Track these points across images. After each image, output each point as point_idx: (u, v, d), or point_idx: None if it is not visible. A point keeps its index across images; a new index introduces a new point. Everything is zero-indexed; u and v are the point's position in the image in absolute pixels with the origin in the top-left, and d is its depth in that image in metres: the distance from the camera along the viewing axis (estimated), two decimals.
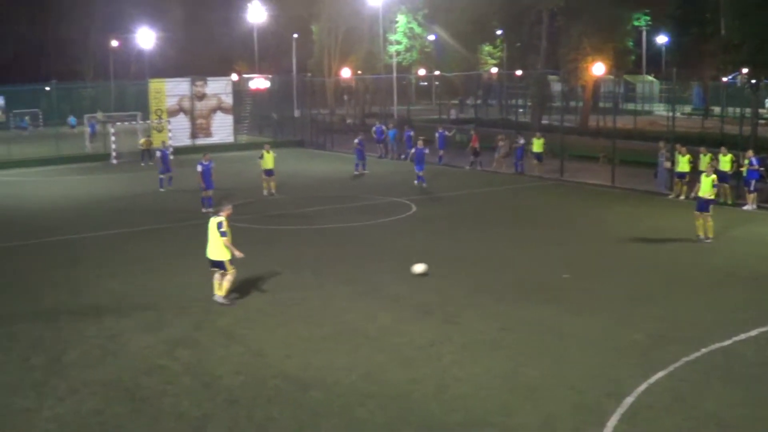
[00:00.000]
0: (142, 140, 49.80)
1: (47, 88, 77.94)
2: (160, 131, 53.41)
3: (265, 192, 33.39)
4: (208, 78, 58.20)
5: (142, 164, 47.47)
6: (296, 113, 68.84)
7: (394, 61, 73.76)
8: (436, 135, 44.40)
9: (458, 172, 41.14)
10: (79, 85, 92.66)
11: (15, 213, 31.54)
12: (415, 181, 35.64)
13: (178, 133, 53.97)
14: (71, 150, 52.91)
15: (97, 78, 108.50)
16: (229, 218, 17.39)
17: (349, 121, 69.15)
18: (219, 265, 17.25)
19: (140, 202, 33.14)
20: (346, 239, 24.53)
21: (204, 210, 29.22)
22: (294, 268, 20.67)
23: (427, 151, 36.46)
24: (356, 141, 41.20)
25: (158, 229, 27.13)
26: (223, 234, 16.90)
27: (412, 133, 45.57)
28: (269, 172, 33.87)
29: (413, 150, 36.62)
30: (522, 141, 40.32)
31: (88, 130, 58.99)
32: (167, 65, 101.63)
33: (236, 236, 25.03)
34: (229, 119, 58.12)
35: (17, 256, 23.57)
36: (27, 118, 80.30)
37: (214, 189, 30.10)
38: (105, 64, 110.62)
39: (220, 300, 17.42)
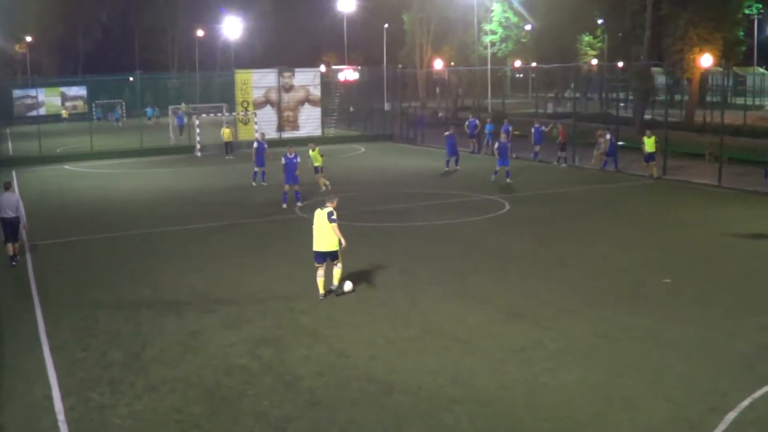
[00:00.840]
0: (225, 131, 50.36)
1: (131, 79, 79.79)
2: (246, 123, 54.28)
3: (322, 188, 33.01)
4: (296, 69, 58.87)
5: (227, 157, 48.28)
6: (386, 106, 69.06)
7: (489, 51, 73.39)
8: (532, 130, 43.97)
9: (555, 169, 40.81)
10: (164, 75, 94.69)
11: (98, 205, 32.41)
12: (493, 177, 35.77)
13: (264, 125, 54.57)
14: (155, 142, 54.14)
15: (182, 69, 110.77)
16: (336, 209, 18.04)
17: (441, 114, 69.05)
18: (331, 255, 17.85)
19: (224, 196, 33.71)
20: (435, 237, 24.53)
21: (285, 206, 29.74)
22: (381, 267, 20.76)
23: (509, 144, 36.42)
24: (446, 134, 41.10)
25: (242, 224, 27.59)
26: (333, 221, 17.61)
27: (510, 128, 45.27)
28: (317, 170, 33.68)
29: (496, 144, 36.52)
30: (609, 136, 39.72)
31: (175, 121, 60.28)
32: (254, 56, 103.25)
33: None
34: (316, 112, 58.67)
35: (99, 248, 24.25)
36: (119, 108, 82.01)
37: (299, 184, 30.24)
38: (190, 55, 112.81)
39: (339, 291, 18.10)
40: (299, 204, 30.05)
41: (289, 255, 22.36)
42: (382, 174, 39.52)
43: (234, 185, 36.43)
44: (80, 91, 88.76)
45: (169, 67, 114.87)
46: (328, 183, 33.05)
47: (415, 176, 38.55)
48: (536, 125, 44.06)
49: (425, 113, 63.86)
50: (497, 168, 35.83)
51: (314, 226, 17.94)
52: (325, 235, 17.75)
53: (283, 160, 29.91)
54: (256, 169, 36.17)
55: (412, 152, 50.48)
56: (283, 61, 73.04)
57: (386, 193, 33.68)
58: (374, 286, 19.05)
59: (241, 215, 29.12)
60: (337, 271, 18.08)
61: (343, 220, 27.13)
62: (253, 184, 36.04)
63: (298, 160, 30.00)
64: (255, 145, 35.84)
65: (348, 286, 18.36)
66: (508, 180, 35.18)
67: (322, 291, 17.99)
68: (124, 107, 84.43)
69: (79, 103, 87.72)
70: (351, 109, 66.09)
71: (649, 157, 36.64)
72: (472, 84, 76.16)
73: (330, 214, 17.73)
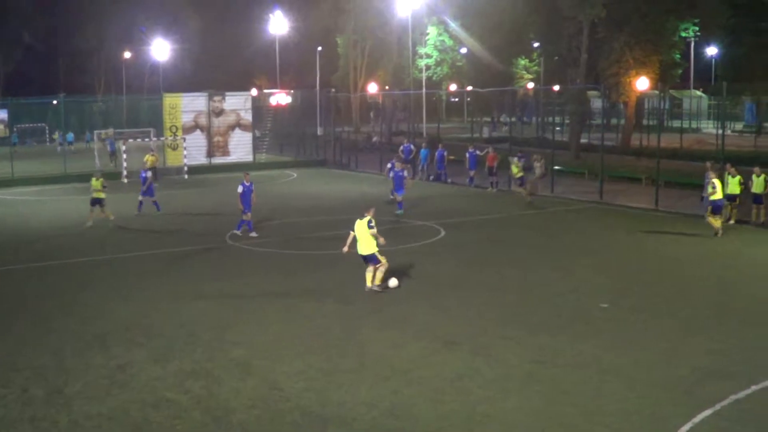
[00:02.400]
0: (147, 157, 49.36)
1: (54, 102, 78.47)
2: (175, 149, 53.83)
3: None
4: (227, 93, 58.75)
5: (156, 184, 47.69)
6: (319, 130, 69.17)
7: (424, 75, 73.98)
8: (467, 155, 44.32)
9: (489, 194, 41.12)
10: (90, 98, 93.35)
11: (19, 234, 31.80)
12: (398, 211, 34.10)
13: (193, 150, 54.33)
14: (80, 168, 53.33)
15: (109, 91, 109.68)
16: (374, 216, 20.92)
17: (374, 139, 69.29)
18: (371, 258, 20.78)
19: (153, 223, 33.39)
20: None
21: (237, 232, 29.43)
22: (316, 296, 20.73)
23: (405, 173, 35.37)
24: (389, 166, 38.58)
25: (175, 252, 27.33)
26: (372, 227, 20.58)
27: (445, 153, 45.70)
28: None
29: (392, 173, 35.18)
30: (472, 150, 42.49)
31: (107, 147, 59.57)
32: (183, 79, 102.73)
33: (252, 262, 25.20)
34: (248, 137, 58.44)
35: (24, 279, 23.77)
36: (15, 133, 79.52)
37: (251, 212, 29.39)
38: (117, 77, 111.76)
39: (375, 288, 20.74)
40: (252, 234, 29.40)
41: (223, 284, 22.19)
42: (315, 200, 39.53)
43: (162, 213, 36.01)
44: (1, 114, 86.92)
45: (95, 90, 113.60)
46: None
47: (349, 202, 38.41)
48: (471, 150, 44.36)
49: (378, 139, 63.63)
50: (399, 198, 34.54)
51: (356, 233, 20.77)
52: (364, 240, 20.66)
53: (240, 188, 29.16)
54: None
55: (346, 178, 50.54)
56: (213, 84, 72.93)
57: (319, 219, 33.69)
58: (309, 316, 18.99)
59: (175, 243, 28.86)
60: (378, 274, 20.84)
61: (273, 247, 27.21)
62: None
63: (253, 187, 29.48)
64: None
65: (393, 282, 21.08)
66: (398, 212, 34.06)
67: (369, 284, 20.90)
68: (47, 131, 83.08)
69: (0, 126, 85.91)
70: (256, 132, 64.64)
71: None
72: (407, 108, 76.56)
73: (370, 222, 20.65)
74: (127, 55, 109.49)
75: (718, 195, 28.44)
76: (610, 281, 22.10)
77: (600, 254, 25.94)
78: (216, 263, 25.31)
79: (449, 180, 45.40)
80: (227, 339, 17.18)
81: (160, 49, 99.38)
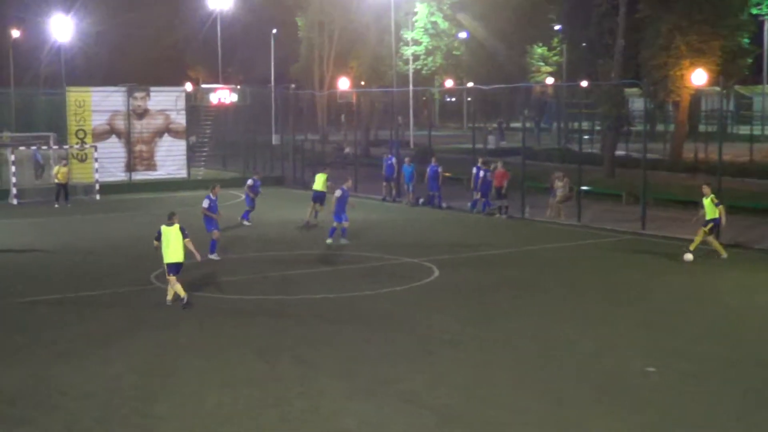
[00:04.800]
0: (59, 170, 49.18)
1: None
2: (83, 161, 53.45)
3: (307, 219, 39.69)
4: (152, 88, 58.55)
5: (57, 205, 47.49)
6: (275, 139, 69.00)
7: (411, 68, 74.15)
8: (474, 171, 44.34)
9: (498, 222, 41.34)
10: None
11: None
12: (342, 239, 35.63)
13: (108, 163, 53.95)
14: None
15: None
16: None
17: (347, 150, 69.41)
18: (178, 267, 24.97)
19: (56, 259, 33.20)
20: (340, 315, 24.45)
21: (213, 257, 31.90)
22: (269, 354, 20.60)
23: (348, 194, 36.18)
24: (249, 183, 41.91)
25: (87, 297, 27.08)
26: (186, 235, 24.87)
27: (439, 169, 45.56)
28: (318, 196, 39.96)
29: (336, 193, 35.94)
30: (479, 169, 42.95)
31: (33, 157, 58.61)
32: (94, 69, 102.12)
33: (183, 309, 25.00)
34: (180, 146, 58.23)
35: None
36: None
37: (218, 230, 32.52)
38: (1, 63, 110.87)
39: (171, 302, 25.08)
40: (213, 256, 31.93)
41: (146, 338, 22.08)
42: (270, 230, 39.52)
43: (72, 244, 35.72)
44: None
45: None
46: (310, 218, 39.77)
47: (315, 233, 38.40)
48: (478, 165, 44.14)
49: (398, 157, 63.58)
50: (334, 224, 35.63)
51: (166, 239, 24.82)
52: (178, 246, 24.85)
53: (205, 203, 31.72)
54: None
55: (309, 200, 50.31)
56: (134, 76, 72.63)
57: (275, 255, 33.66)
58: (260, 380, 18.80)
59: (82, 285, 28.56)
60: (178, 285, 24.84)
61: (217, 291, 27.04)
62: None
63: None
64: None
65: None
66: (343, 240, 35.45)
67: (170, 298, 25.05)
68: None
69: None
70: (191, 139, 64.56)
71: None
72: (389, 110, 76.61)
73: (183, 229, 24.91)
74: (16, 33, 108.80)
75: None
76: (656, 338, 22.01)
77: (642, 302, 25.90)
78: (136, 311, 25.10)
79: (443, 204, 45.36)
80: (151, 413, 16.98)
81: (62, 27, 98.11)
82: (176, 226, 24.79)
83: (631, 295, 26.78)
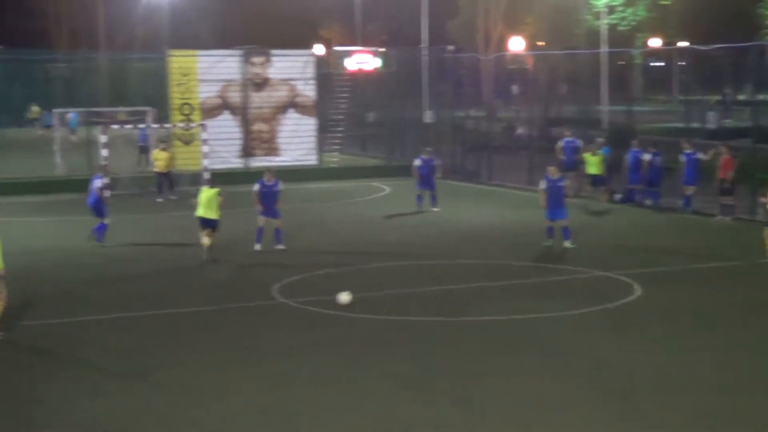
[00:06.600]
0: (158, 156, 48.94)
1: None
2: (188, 143, 53.18)
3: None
4: (274, 51, 58.54)
5: (159, 199, 47.34)
6: (427, 116, 68.42)
7: (605, 23, 73.13)
8: (682, 158, 43.40)
9: (719, 225, 40.72)
10: (44, 55, 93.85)
11: None
12: (566, 243, 35.80)
13: (219, 146, 53.29)
14: (31, 171, 53.35)
15: (76, 46, 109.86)
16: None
17: (520, 131, 68.52)
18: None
19: (154, 267, 33.59)
20: (511, 343, 24.04)
21: (259, 247, 34.57)
22: (419, 391, 20.29)
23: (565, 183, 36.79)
24: (416, 163, 43.58)
25: (182, 314, 27.42)
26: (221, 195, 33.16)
27: (659, 157, 44.90)
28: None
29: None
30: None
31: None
32: (202, 29, 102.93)
33: (313, 329, 24.48)
34: (309, 124, 57.87)
35: None
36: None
37: (280, 219, 34.74)
38: (89, 24, 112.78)
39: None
40: (280, 246, 34.51)
41: (268, 368, 21.91)
42: (421, 233, 39.28)
43: (173, 251, 35.95)
44: None
45: (53, 43, 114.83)
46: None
47: (481, 237, 38.39)
48: (687, 151, 43.40)
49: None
50: (548, 223, 35.78)
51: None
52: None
53: (256, 187, 33.63)
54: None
55: (473, 195, 50.19)
56: (251, 38, 72.95)
57: (427, 265, 33.45)
58: (412, 425, 18.41)
59: (185, 300, 28.87)
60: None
61: (352, 311, 26.41)
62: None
63: (280, 188, 34.07)
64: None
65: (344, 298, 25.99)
66: (567, 243, 35.54)
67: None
68: None
69: None
70: (332, 119, 64.67)
71: None
72: (575, 79, 75.63)
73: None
74: None
75: None
76: None
77: None
78: (258, 329, 25.20)
79: (649, 201, 44.63)
80: None
81: None
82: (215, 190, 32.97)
83: None
